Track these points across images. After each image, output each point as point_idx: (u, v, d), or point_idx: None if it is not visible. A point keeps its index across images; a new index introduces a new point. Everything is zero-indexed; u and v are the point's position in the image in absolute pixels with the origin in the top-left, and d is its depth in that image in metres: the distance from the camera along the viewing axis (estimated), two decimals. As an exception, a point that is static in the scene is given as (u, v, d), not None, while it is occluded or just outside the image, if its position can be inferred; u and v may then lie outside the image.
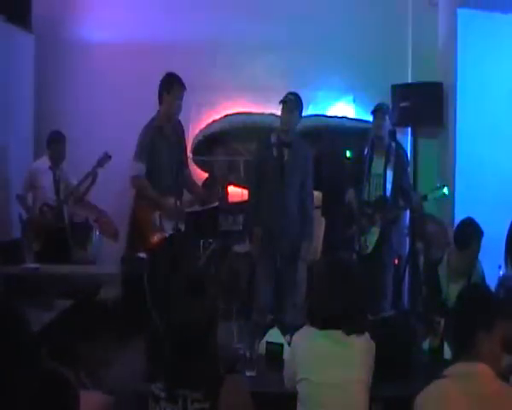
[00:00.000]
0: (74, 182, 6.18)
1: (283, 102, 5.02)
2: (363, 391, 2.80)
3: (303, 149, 5.16)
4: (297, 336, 2.94)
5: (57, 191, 6.20)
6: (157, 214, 4.90)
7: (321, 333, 2.82)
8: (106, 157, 5.95)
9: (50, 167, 6.21)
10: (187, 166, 5.29)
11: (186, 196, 5.28)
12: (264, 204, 5.08)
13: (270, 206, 5.01)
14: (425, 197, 5.36)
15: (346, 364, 2.77)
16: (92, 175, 6.07)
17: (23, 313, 1.99)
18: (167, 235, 4.95)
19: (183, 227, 4.93)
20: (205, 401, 2.24)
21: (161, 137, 4.92)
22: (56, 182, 6.22)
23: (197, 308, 2.36)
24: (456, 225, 4.74)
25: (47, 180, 6.19)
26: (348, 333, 2.80)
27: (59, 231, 6.18)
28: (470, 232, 4.23)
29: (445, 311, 4.04)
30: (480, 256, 4.34)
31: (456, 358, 2.35)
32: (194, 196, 5.38)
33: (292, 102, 5.00)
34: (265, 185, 5.06)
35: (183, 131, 5.21)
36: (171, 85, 4.89)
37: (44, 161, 6.25)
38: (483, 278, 4.32)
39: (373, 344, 2.88)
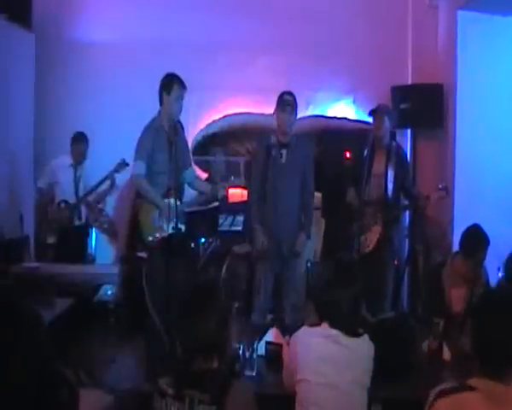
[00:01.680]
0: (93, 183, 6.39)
1: (282, 104, 5.01)
2: (362, 392, 2.80)
3: (302, 149, 5.15)
4: (296, 337, 2.94)
5: (76, 189, 6.42)
6: (156, 213, 4.90)
7: (320, 334, 2.82)
8: (123, 164, 6.17)
9: (71, 165, 6.44)
10: (190, 164, 5.29)
11: (187, 196, 5.28)
12: (264, 205, 5.08)
13: (270, 207, 5.01)
14: (427, 197, 5.34)
15: (345, 365, 2.77)
16: (110, 179, 6.30)
17: (33, 311, 1.99)
18: (167, 234, 4.95)
19: (183, 227, 4.92)
20: (212, 403, 2.25)
21: (162, 138, 4.91)
22: (76, 180, 6.44)
23: (210, 315, 2.37)
24: (455, 226, 4.75)
25: (67, 177, 6.43)
26: (348, 334, 2.80)
27: (77, 229, 6.42)
28: (477, 241, 4.20)
29: (445, 314, 4.06)
30: (480, 258, 4.34)
31: (483, 371, 2.02)
32: (200, 193, 5.40)
33: (291, 104, 5.00)
34: (265, 186, 5.05)
35: (183, 131, 5.21)
36: (172, 86, 4.89)
37: (66, 159, 6.48)
38: (487, 283, 4.31)
39: (372, 346, 2.88)
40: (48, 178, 6.44)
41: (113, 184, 6.35)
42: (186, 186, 5.28)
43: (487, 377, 1.98)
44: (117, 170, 6.23)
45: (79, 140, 6.44)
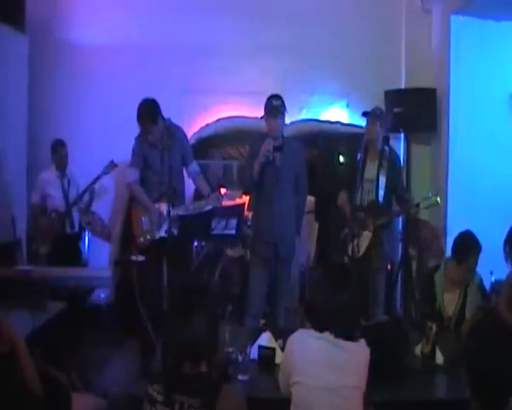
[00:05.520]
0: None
1: (270, 109, 4.99)
2: (358, 397, 2.78)
3: (295, 151, 5.15)
4: (291, 340, 2.92)
5: (66, 198, 6.46)
6: (147, 217, 5.04)
7: (316, 336, 2.81)
8: (112, 165, 6.28)
9: (57, 176, 6.48)
10: (191, 160, 5.37)
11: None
12: (259, 208, 5.09)
13: (265, 210, 5.01)
14: (417, 205, 5.33)
15: (342, 369, 2.76)
16: (99, 182, 6.38)
17: None
18: (157, 238, 5.02)
19: (175, 231, 4.94)
20: (201, 408, 2.23)
21: (149, 146, 5.13)
22: (64, 190, 6.47)
23: (198, 318, 2.34)
24: (448, 231, 4.76)
25: (55, 190, 6.46)
26: (343, 337, 2.79)
27: (69, 237, 6.46)
28: (469, 247, 4.22)
29: (437, 318, 4.07)
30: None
31: None
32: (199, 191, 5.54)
33: (277, 109, 4.96)
34: (260, 189, 5.05)
35: (181, 135, 5.28)
36: (139, 121, 5.07)
37: (51, 171, 6.52)
38: (482, 288, 4.33)
39: (368, 350, 2.86)
40: (39, 192, 6.47)
41: (101, 186, 6.45)
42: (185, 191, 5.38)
43: None
44: (105, 172, 6.32)
45: (59, 147, 6.46)
